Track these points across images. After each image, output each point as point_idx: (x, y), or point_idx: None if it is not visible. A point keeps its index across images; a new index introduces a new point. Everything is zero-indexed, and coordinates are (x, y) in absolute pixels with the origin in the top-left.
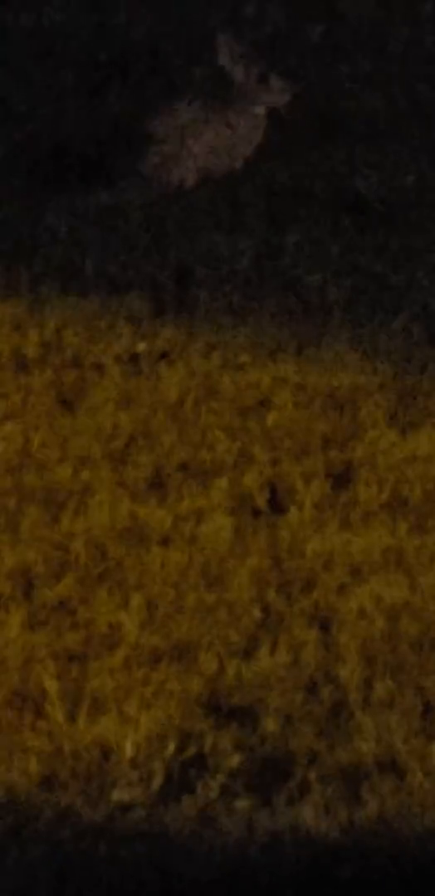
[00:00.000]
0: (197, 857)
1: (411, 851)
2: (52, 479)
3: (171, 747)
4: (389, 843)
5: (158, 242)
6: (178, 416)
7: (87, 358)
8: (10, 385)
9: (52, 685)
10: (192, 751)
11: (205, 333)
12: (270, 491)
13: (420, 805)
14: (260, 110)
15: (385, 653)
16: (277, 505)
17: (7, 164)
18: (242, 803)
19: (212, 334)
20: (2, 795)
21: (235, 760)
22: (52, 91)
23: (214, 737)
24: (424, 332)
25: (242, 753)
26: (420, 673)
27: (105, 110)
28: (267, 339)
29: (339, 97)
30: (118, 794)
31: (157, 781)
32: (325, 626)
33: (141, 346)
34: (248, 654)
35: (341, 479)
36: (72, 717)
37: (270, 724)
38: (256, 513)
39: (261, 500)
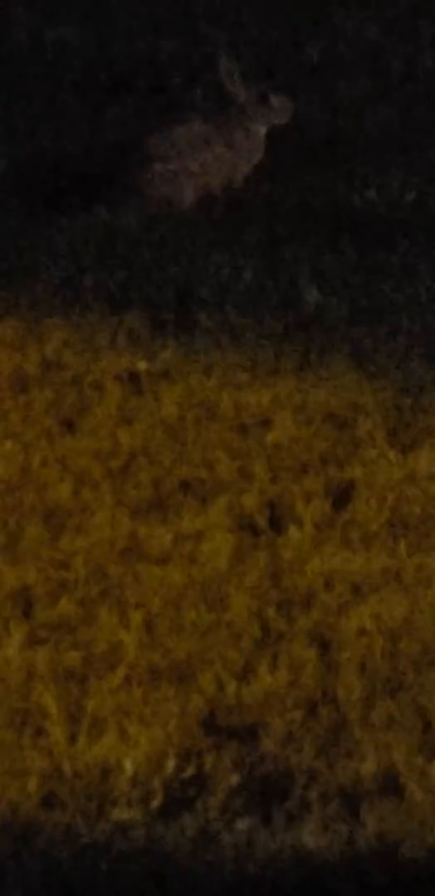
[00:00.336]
0: (197, 875)
1: (411, 870)
2: (52, 497)
3: (171, 766)
4: (388, 861)
5: (158, 261)
6: (178, 435)
7: (87, 377)
8: (10, 404)
9: (51, 704)
10: (191, 770)
11: (205, 352)
12: (269, 510)
13: (420, 824)
14: (260, 129)
15: (385, 672)
16: (276, 524)
17: (7, 183)
18: (241, 822)
19: (212, 353)
20: (2, 814)
21: (235, 779)
22: (53, 109)
23: (214, 756)
24: (424, 351)
25: (242, 772)
26: (420, 692)
27: (106, 129)
28: (267, 359)
29: (339, 116)
30: (118, 813)
31: (157, 800)
32: (324, 646)
33: (141, 365)
34: (247, 673)
35: (341, 498)
36: (72, 736)
37: (270, 743)
38: (256, 532)
39: (260, 520)
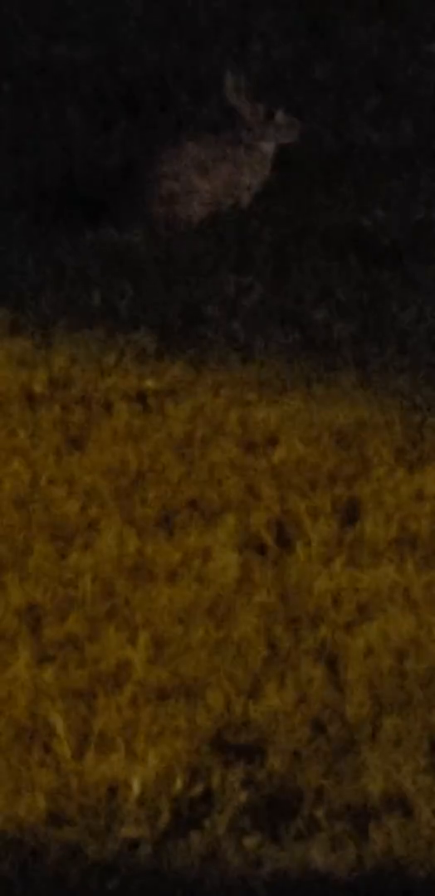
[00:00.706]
0: (204, 893)
1: (419, 888)
2: (60, 515)
3: (179, 784)
4: (396, 880)
5: (166, 279)
6: (186, 453)
7: (94, 395)
8: (18, 421)
9: (59, 722)
10: (199, 787)
11: (212, 371)
12: (277, 528)
13: (428, 842)
14: (267, 147)
15: (392, 690)
16: (284, 542)
17: (14, 200)
18: (249, 840)
19: (219, 371)
20: (9, 831)
21: (243, 797)
22: (60, 128)
23: (222, 773)
24: (432, 369)
25: (250, 790)
26: (427, 710)
27: (112, 147)
28: (274, 377)
29: (345, 134)
30: (125, 831)
31: (165, 818)
32: (332, 663)
33: (148, 383)
34: (255, 691)
35: (349, 515)
36: (79, 754)
37: (278, 761)
38: (264, 550)
39: (268, 537)
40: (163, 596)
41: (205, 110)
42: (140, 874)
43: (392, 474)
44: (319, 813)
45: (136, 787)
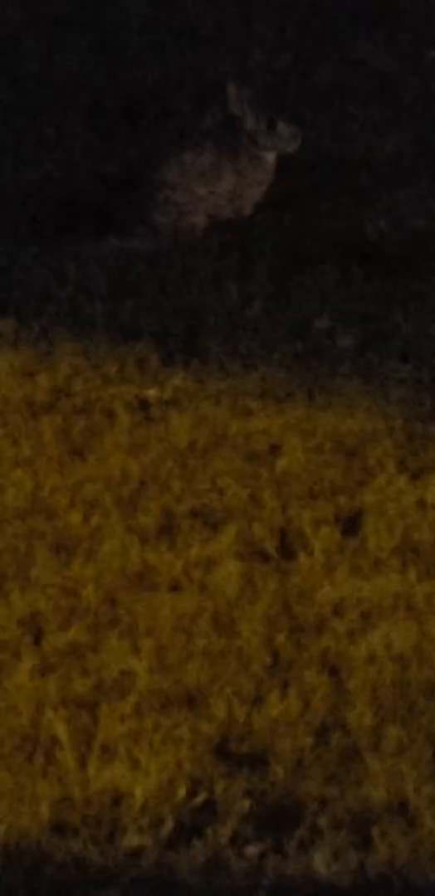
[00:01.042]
0: None
1: None
2: (62, 524)
3: (182, 793)
4: (400, 889)
5: (168, 289)
6: (188, 462)
7: (96, 404)
8: (21, 431)
9: (62, 731)
10: (202, 797)
11: (214, 380)
12: (279, 537)
13: (431, 851)
14: (269, 156)
15: (395, 698)
16: (286, 551)
17: (16, 211)
18: (252, 849)
19: (221, 380)
20: (12, 841)
21: (246, 806)
22: (62, 137)
23: (225, 782)
24: (434, 377)
25: (252, 799)
26: (430, 719)
27: (114, 157)
28: (276, 386)
29: (348, 143)
30: (128, 840)
31: (168, 827)
32: (335, 672)
33: (150, 393)
34: (258, 699)
35: (351, 524)
36: (82, 763)
37: (280, 770)
38: (266, 559)
39: (270, 546)
40: (165, 605)
41: (207, 120)
42: (143, 883)
43: (394, 483)
44: (322, 822)
45: (138, 796)
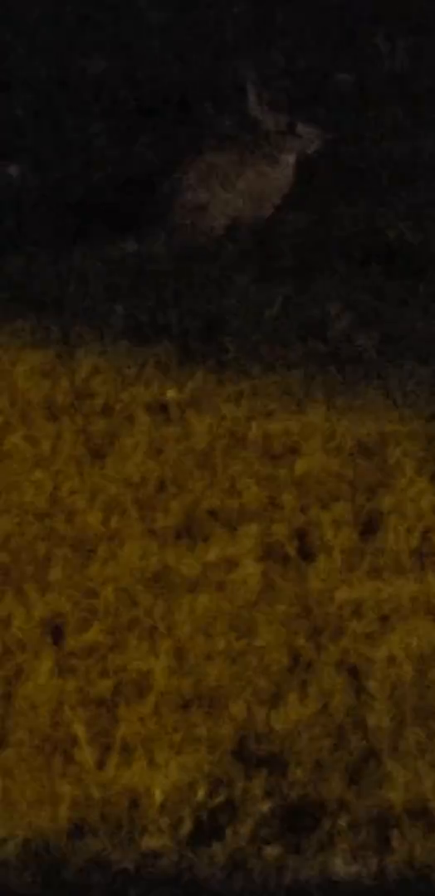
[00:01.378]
0: None
1: None
2: (82, 525)
3: (201, 794)
4: (419, 890)
5: (187, 290)
6: (207, 463)
7: (116, 405)
8: (40, 432)
9: (81, 732)
10: (221, 797)
11: (234, 381)
12: (298, 538)
13: None
14: (289, 158)
15: (414, 700)
16: (306, 552)
17: (37, 213)
18: (271, 850)
19: (241, 382)
20: (31, 842)
21: (265, 807)
22: (82, 140)
23: (244, 783)
24: None
25: (272, 800)
26: None
27: (134, 159)
28: (296, 387)
29: (368, 145)
30: (148, 841)
31: (187, 828)
32: (354, 674)
33: (170, 394)
34: (277, 701)
35: (370, 526)
36: (101, 764)
37: (300, 772)
38: (285, 560)
39: (290, 548)
40: (185, 606)
41: (227, 122)
42: (162, 884)
43: (414, 485)
44: (342, 823)
45: (158, 796)
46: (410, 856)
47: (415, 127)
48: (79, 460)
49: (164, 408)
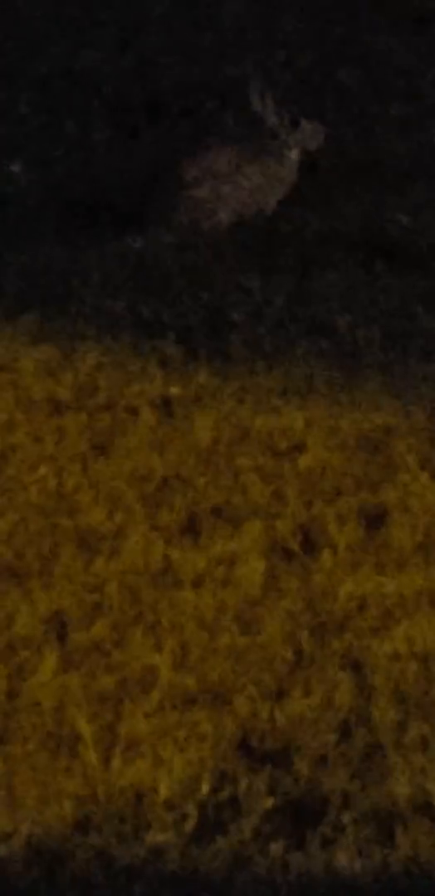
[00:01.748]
0: None
1: None
2: (86, 522)
3: (205, 789)
4: (423, 885)
5: (191, 286)
6: (211, 459)
7: (120, 402)
8: (44, 428)
9: (86, 728)
10: (225, 793)
11: (237, 377)
12: (302, 533)
13: None
14: (292, 154)
15: (418, 695)
16: (309, 547)
17: (40, 209)
18: (275, 845)
19: (244, 378)
20: (36, 838)
21: (269, 802)
22: (85, 136)
23: (248, 779)
24: None
25: (276, 795)
26: None
27: (138, 155)
28: (300, 383)
29: (371, 141)
30: (152, 836)
31: (191, 823)
32: (358, 669)
33: (174, 390)
34: (281, 696)
35: (374, 521)
36: (106, 760)
37: (304, 767)
38: (289, 555)
39: (294, 543)
40: (189, 602)
41: (230, 118)
42: (167, 879)
43: (418, 480)
44: (346, 818)
45: (162, 792)
46: (414, 850)
47: (418, 123)
48: (83, 457)
49: (168, 404)
